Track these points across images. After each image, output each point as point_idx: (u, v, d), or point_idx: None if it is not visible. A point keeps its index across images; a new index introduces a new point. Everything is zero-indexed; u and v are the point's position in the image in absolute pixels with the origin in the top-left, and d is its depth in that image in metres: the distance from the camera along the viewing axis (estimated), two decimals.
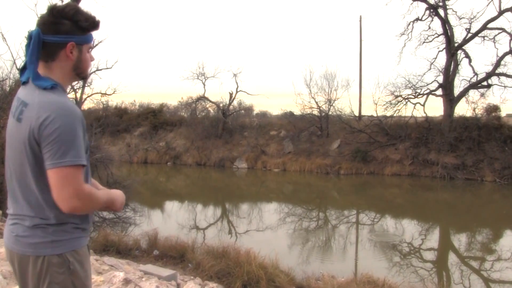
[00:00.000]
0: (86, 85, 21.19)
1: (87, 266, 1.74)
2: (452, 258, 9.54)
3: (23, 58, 1.69)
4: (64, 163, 1.53)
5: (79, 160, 1.57)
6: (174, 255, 7.27)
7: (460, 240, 11.12)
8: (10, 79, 11.00)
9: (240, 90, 25.90)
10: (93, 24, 1.71)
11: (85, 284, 1.70)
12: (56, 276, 1.61)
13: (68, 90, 1.86)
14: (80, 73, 1.75)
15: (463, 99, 21.36)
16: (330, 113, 23.75)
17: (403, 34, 22.69)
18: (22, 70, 1.67)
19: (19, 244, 1.64)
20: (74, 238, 1.68)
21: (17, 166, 1.64)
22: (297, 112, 25.00)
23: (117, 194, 1.86)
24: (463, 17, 21.10)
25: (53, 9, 1.63)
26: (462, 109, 21.98)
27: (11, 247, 1.67)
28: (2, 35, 11.49)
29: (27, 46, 1.61)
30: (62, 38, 1.63)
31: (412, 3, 22.11)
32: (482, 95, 21.12)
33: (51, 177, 1.55)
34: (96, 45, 18.90)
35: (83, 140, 1.62)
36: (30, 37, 1.60)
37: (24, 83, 1.66)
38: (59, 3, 1.66)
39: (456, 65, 21.32)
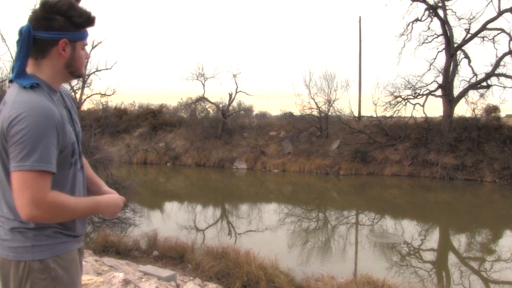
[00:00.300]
0: (85, 85, 21.27)
1: (74, 272, 1.66)
2: (451, 258, 9.54)
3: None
4: (24, 167, 1.43)
5: (43, 166, 1.45)
6: (174, 256, 7.27)
7: (459, 240, 11.12)
8: None
9: (239, 91, 25.94)
10: (88, 20, 1.62)
11: None
12: (37, 282, 1.54)
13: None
14: (74, 71, 1.66)
15: (463, 100, 21.38)
16: (329, 113, 23.76)
17: (403, 34, 22.74)
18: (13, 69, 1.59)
19: (1, 247, 1.57)
20: (57, 243, 1.60)
21: None
22: (296, 112, 25.05)
23: (109, 202, 1.73)
24: (463, 18, 21.14)
25: (45, 4, 1.54)
26: (462, 110, 22.04)
27: None
28: (2, 36, 11.50)
29: (18, 42, 1.53)
30: (54, 34, 1.55)
31: (411, 4, 22.19)
32: (482, 95, 21.16)
33: (12, 180, 1.46)
34: (96, 45, 19.03)
35: (56, 145, 1.51)
36: (20, 33, 1.53)
37: (11, 81, 1.58)
38: None
39: (456, 65, 21.34)
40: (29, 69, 1.58)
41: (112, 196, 1.79)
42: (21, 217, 1.47)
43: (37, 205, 1.44)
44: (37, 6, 1.56)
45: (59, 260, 1.59)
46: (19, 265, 1.54)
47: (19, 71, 1.55)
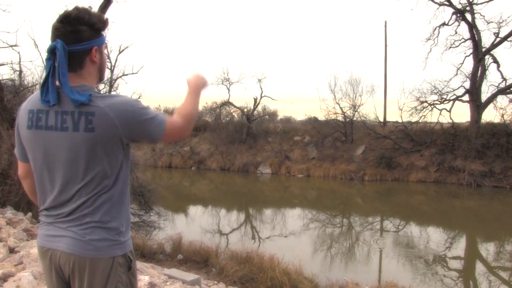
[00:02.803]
0: (112, 90, 21.59)
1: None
2: (479, 267, 9.34)
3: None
4: None
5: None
6: (198, 260, 7.32)
7: (487, 249, 10.87)
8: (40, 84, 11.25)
9: (264, 96, 26.01)
10: (105, 23, 1.68)
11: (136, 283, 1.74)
12: (120, 276, 1.64)
13: None
14: (102, 75, 1.74)
15: (491, 105, 20.94)
16: (354, 118, 23.62)
17: (429, 39, 22.45)
18: (44, 86, 1.59)
19: (85, 248, 1.59)
20: (129, 239, 1.73)
21: None
22: (321, 117, 24.94)
23: None
24: (492, 21, 20.68)
25: (67, 17, 1.58)
26: (490, 115, 21.62)
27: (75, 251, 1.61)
28: (35, 42, 11.79)
29: (48, 60, 1.57)
30: (86, 44, 1.60)
31: (438, 8, 21.85)
32: (511, 101, 20.68)
33: None
34: (123, 50, 19.30)
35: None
36: (51, 51, 1.56)
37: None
38: (68, 10, 1.61)
39: (484, 70, 20.91)
40: (72, 82, 1.59)
41: None
42: None
43: None
44: (59, 21, 1.58)
45: (131, 254, 1.71)
46: (107, 262, 1.61)
47: (69, 87, 1.56)
